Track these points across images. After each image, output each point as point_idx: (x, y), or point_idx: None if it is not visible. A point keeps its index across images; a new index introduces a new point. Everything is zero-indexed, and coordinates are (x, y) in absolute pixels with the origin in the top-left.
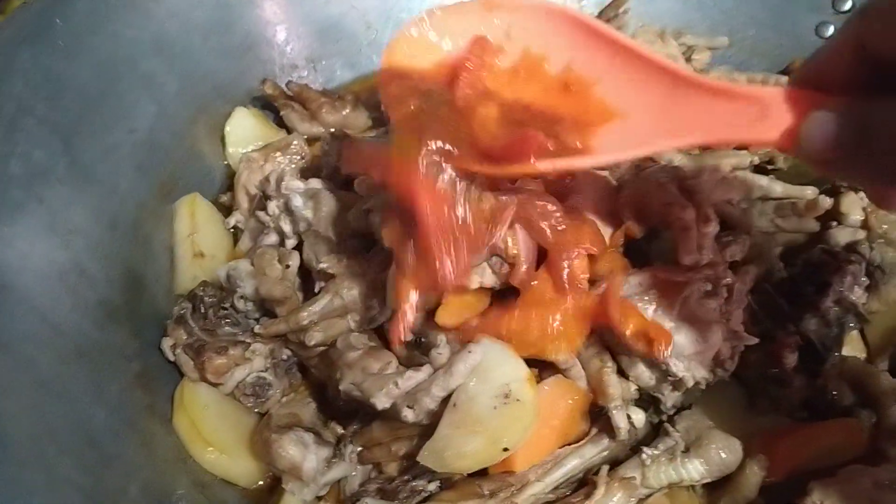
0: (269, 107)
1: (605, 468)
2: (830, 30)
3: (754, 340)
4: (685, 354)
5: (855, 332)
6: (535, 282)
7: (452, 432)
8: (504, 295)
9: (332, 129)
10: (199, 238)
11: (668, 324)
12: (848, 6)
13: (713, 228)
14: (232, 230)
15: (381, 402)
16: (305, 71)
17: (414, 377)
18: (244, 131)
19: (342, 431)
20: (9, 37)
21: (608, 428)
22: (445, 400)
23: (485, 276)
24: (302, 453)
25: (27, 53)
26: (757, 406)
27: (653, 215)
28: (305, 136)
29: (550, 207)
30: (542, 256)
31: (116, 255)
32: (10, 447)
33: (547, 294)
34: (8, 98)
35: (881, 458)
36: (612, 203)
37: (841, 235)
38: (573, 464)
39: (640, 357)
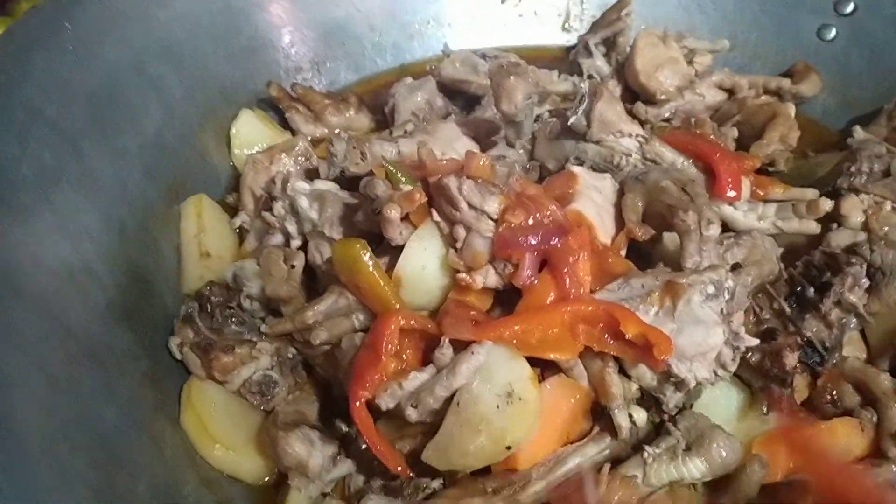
0: (274, 109)
1: (607, 466)
2: (832, 33)
3: (755, 342)
4: (687, 356)
5: (856, 333)
6: (536, 282)
7: (456, 431)
8: (508, 297)
9: (337, 131)
10: (205, 238)
11: (669, 326)
12: (850, 9)
13: (715, 231)
14: (237, 230)
15: (386, 402)
16: (310, 73)
17: (418, 378)
18: (250, 133)
19: (347, 429)
20: (21, 42)
21: (610, 427)
22: (449, 399)
23: (488, 277)
24: (308, 450)
25: (39, 58)
26: (758, 406)
27: (656, 218)
28: (310, 138)
29: (553, 210)
30: (546, 260)
31: (125, 256)
32: (25, 445)
33: (549, 296)
34: (19, 103)
35: (883, 459)
36: (615, 206)
37: (841, 237)
38: (575, 462)
39: (641, 361)
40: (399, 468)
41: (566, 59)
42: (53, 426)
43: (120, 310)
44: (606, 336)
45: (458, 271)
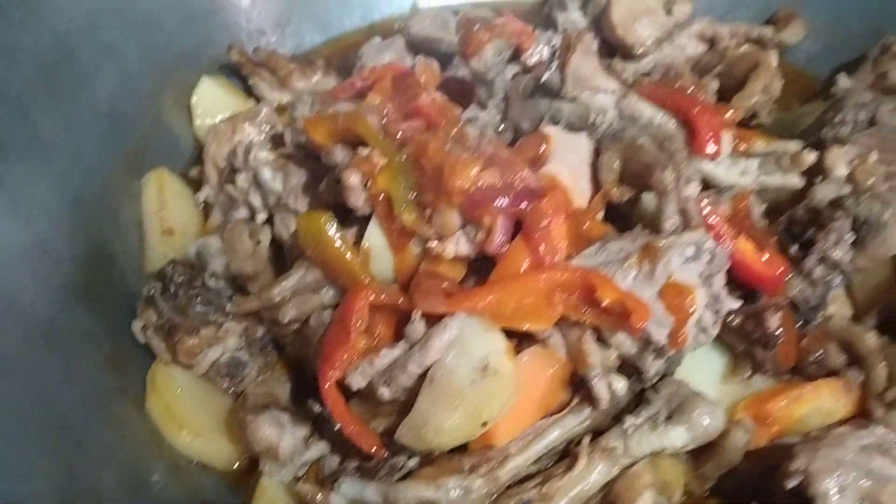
0: (237, 74)
1: (587, 439)
2: None
3: (737, 304)
4: (667, 322)
5: (841, 290)
6: (510, 249)
7: (431, 408)
8: (481, 267)
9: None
10: (168, 214)
11: (648, 291)
12: None
13: (694, 190)
14: (202, 205)
15: (357, 381)
16: (274, 36)
17: (389, 354)
18: (211, 102)
19: (320, 410)
20: None
21: (590, 397)
22: (422, 376)
23: (460, 245)
24: (278, 433)
25: None
26: (741, 370)
27: (633, 178)
28: (275, 104)
29: (526, 175)
30: (518, 226)
31: (82, 231)
32: None
33: (523, 263)
34: None
35: (869, 419)
36: (591, 167)
37: (826, 190)
38: (554, 435)
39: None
40: (373, 449)
41: (541, 13)
42: (6, 411)
43: (78, 289)
44: (583, 304)
45: (429, 240)
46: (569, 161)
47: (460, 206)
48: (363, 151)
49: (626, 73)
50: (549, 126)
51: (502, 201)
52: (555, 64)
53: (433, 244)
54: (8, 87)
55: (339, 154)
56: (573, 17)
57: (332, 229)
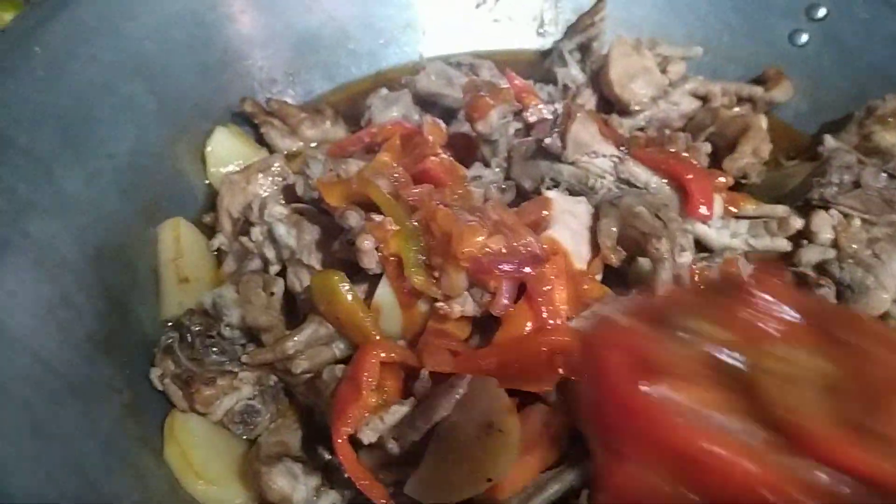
0: (249, 122)
1: (586, 492)
2: (804, 38)
3: None
4: None
5: None
6: (514, 311)
7: (438, 464)
8: (486, 323)
9: (314, 144)
10: (183, 263)
11: None
12: (822, 14)
13: (687, 258)
14: (215, 252)
15: (368, 437)
16: (284, 85)
17: (399, 411)
18: (225, 151)
19: (330, 458)
20: None
21: (587, 451)
22: (430, 431)
23: (466, 305)
24: (292, 485)
25: (8, 84)
26: None
27: (629, 241)
28: (286, 152)
29: (529, 240)
30: (522, 288)
31: (102, 283)
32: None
33: (526, 325)
34: None
35: None
36: (590, 230)
37: (811, 254)
38: (554, 489)
39: None
40: (383, 502)
41: (541, 64)
42: (41, 475)
43: (99, 339)
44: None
45: (437, 300)
46: (569, 225)
47: (467, 269)
48: (377, 218)
49: (623, 128)
50: (551, 191)
51: (507, 266)
52: (556, 130)
53: (441, 304)
54: (34, 145)
55: (353, 218)
56: (573, 73)
57: (346, 288)
